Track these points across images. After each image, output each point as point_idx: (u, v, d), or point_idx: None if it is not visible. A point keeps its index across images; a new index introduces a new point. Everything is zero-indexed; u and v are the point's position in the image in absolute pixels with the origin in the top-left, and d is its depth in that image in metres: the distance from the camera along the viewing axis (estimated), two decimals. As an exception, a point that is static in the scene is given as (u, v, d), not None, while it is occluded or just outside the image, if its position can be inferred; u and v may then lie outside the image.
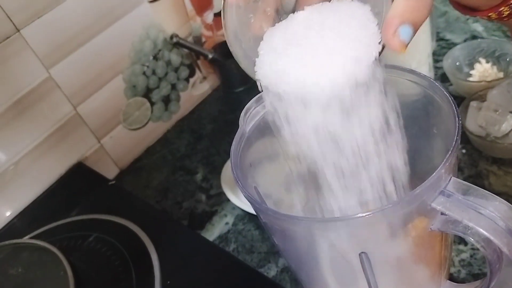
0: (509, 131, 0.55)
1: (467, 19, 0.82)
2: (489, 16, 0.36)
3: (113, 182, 0.70)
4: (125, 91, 0.78)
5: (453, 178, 0.26)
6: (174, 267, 0.55)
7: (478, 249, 0.50)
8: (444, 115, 0.31)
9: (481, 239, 0.25)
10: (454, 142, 0.26)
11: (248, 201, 0.31)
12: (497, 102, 0.57)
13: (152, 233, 0.59)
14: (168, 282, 0.54)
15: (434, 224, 0.27)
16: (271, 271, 0.56)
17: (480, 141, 0.57)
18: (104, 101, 0.76)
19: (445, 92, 0.31)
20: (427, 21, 0.63)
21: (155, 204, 0.71)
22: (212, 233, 0.64)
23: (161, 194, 0.73)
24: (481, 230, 0.24)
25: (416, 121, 0.38)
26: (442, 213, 0.27)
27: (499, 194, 0.52)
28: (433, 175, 0.25)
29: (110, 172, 0.79)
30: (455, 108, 0.29)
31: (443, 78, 0.71)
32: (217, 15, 0.89)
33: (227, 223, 0.64)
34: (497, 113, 0.55)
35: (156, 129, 0.84)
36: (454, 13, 0.84)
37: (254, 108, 0.39)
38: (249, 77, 0.34)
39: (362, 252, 0.30)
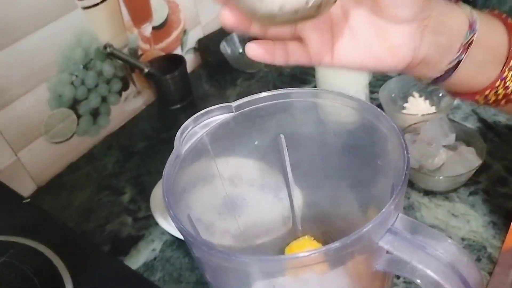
0: (441, 165, 0.56)
1: (402, 53, 0.85)
2: (477, 100, 0.37)
3: (28, 200, 0.63)
4: (49, 101, 0.72)
5: (400, 214, 0.25)
6: (92, 298, 0.50)
7: (410, 283, 0.49)
8: (390, 147, 0.30)
9: (430, 282, 0.23)
10: (403, 177, 0.25)
11: (181, 233, 0.27)
12: (431, 136, 0.58)
13: (68, 259, 0.53)
14: (84, 315, 0.48)
15: (379, 263, 0.25)
16: (199, 303, 0.52)
17: (413, 173, 0.58)
18: (25, 110, 0.69)
19: (393, 125, 0.30)
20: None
21: (74, 227, 0.65)
22: (137, 260, 0.59)
23: (82, 215, 0.67)
24: (430, 273, 0.23)
25: (359, 151, 0.37)
26: (388, 252, 0.25)
27: (430, 226, 0.53)
28: (382, 211, 0.23)
29: (26, 188, 0.71)
30: (404, 141, 0.28)
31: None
32: (156, 28, 0.85)
33: (154, 249, 0.60)
34: (431, 146, 0.56)
35: (81, 144, 0.78)
36: (390, 47, 0.87)
37: (192, 128, 0.36)
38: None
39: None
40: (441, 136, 0.57)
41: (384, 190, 0.30)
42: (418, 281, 0.24)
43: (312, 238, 0.49)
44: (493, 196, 0.57)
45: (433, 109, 0.67)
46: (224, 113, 0.38)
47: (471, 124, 0.67)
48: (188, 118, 0.37)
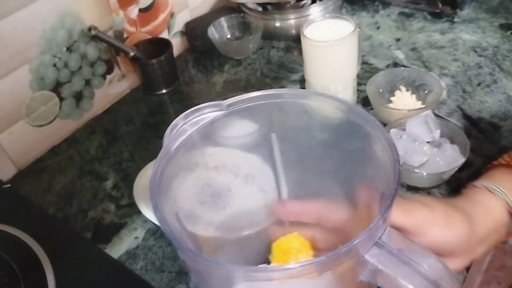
0: (425, 161, 0.57)
1: (390, 45, 0.85)
2: None
3: (8, 185, 0.62)
4: (30, 83, 0.70)
5: (388, 228, 0.25)
6: (72, 286, 0.50)
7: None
8: (379, 150, 0.30)
9: None
10: (393, 191, 0.25)
11: (170, 238, 0.27)
12: (415, 132, 0.58)
13: (48, 246, 0.53)
14: (64, 303, 0.48)
15: (364, 275, 0.25)
16: (181, 293, 0.52)
17: (397, 169, 0.58)
18: (6, 92, 0.67)
19: (386, 135, 0.30)
20: (355, 45, 0.64)
21: (56, 212, 0.64)
22: (120, 248, 0.59)
23: (64, 200, 0.66)
24: None
25: (349, 154, 0.37)
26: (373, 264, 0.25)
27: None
28: (371, 225, 0.23)
29: (6, 172, 0.70)
30: (395, 154, 0.28)
31: (364, 101, 0.72)
32: (142, 10, 0.83)
33: (136, 238, 0.60)
34: (416, 143, 0.57)
35: (63, 127, 0.77)
36: (378, 38, 0.87)
37: (181, 125, 0.35)
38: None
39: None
40: (426, 132, 0.58)
41: (372, 194, 0.30)
42: None
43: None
44: (474, 193, 0.57)
45: (419, 104, 0.67)
46: (215, 111, 0.37)
47: (456, 120, 0.67)
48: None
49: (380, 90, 0.69)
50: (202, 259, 0.25)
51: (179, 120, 0.35)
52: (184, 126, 0.35)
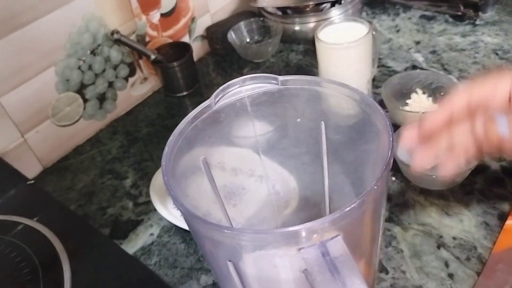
0: (437, 164, 0.56)
1: (410, 48, 0.84)
2: None
3: (32, 181, 0.65)
4: (56, 84, 0.73)
5: (338, 237, 0.25)
6: (87, 280, 0.52)
7: (399, 279, 0.50)
8: (382, 143, 0.30)
9: None
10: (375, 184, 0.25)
11: (179, 207, 0.29)
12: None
13: (67, 241, 0.55)
14: (79, 295, 0.50)
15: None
16: (192, 289, 0.54)
17: (409, 171, 0.58)
18: (33, 93, 0.71)
19: (386, 121, 0.30)
20: (369, 48, 0.64)
21: (77, 209, 0.67)
22: (135, 243, 0.61)
23: (85, 197, 0.69)
24: None
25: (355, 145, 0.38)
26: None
27: (423, 224, 0.53)
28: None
29: (32, 170, 0.73)
30: (391, 142, 0.28)
31: (380, 104, 0.72)
32: (164, 15, 0.86)
33: (152, 234, 0.62)
34: (428, 145, 0.56)
35: (87, 128, 0.80)
36: (398, 40, 0.87)
37: (238, 87, 0.37)
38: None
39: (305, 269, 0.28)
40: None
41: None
42: None
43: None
44: (489, 196, 0.57)
45: (435, 106, 0.66)
46: (270, 83, 0.39)
47: (473, 123, 0.66)
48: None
49: (396, 91, 0.69)
50: (211, 224, 0.27)
51: (237, 82, 0.37)
52: (240, 88, 0.37)
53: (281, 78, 0.39)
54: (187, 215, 0.28)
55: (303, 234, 0.25)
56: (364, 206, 0.26)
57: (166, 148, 0.33)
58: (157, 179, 0.66)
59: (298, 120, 0.42)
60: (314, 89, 0.39)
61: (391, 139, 0.28)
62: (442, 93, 0.67)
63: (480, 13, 0.87)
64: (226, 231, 0.27)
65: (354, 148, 0.40)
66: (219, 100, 0.37)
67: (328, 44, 0.62)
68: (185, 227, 0.59)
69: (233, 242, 0.27)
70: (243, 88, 0.38)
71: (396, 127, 0.64)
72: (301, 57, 0.90)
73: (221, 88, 0.37)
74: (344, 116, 0.40)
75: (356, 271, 0.24)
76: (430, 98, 0.68)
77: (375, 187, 0.25)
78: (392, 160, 0.27)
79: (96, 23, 0.75)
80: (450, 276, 0.49)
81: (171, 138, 0.34)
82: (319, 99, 0.40)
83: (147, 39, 0.85)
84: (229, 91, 0.38)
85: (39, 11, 0.67)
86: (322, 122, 0.41)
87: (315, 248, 0.24)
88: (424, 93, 0.68)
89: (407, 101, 0.69)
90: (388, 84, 0.68)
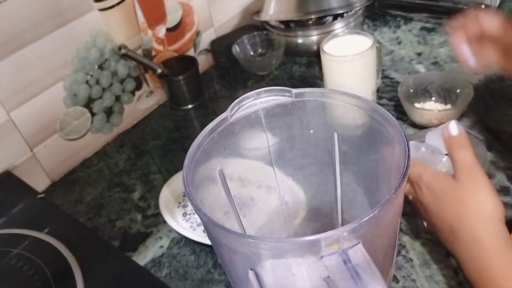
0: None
1: (411, 60, 0.85)
2: None
3: (43, 195, 0.65)
4: (64, 99, 0.74)
5: (359, 245, 0.26)
6: (100, 291, 0.52)
7: (409, 286, 0.51)
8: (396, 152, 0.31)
9: None
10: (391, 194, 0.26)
11: (199, 214, 0.29)
12: (434, 144, 0.59)
13: (79, 253, 0.56)
14: (92, 307, 0.50)
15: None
16: (203, 300, 0.54)
17: (416, 180, 0.59)
18: (41, 107, 0.71)
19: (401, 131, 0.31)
20: (373, 60, 0.65)
21: (86, 221, 0.68)
22: (145, 256, 0.61)
23: (93, 210, 0.70)
24: None
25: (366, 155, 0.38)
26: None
27: (431, 233, 0.54)
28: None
29: (40, 183, 0.74)
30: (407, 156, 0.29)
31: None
32: (170, 29, 0.87)
33: (161, 246, 0.62)
34: (434, 154, 0.57)
35: (94, 141, 0.80)
36: (400, 52, 0.88)
37: (253, 99, 0.38)
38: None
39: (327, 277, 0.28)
40: (443, 144, 0.58)
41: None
42: None
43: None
44: (495, 205, 0.57)
45: (448, 106, 0.68)
46: (284, 96, 0.40)
47: (477, 133, 0.67)
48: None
49: (411, 91, 0.71)
50: (234, 233, 0.28)
51: (252, 94, 0.38)
52: (254, 101, 0.38)
53: (295, 90, 0.40)
54: (209, 224, 0.29)
55: (325, 242, 0.25)
56: (383, 215, 0.26)
57: (186, 160, 0.34)
58: (166, 191, 0.67)
59: (311, 131, 0.43)
60: (326, 101, 0.40)
61: (407, 148, 0.29)
62: (457, 91, 0.69)
63: (480, 25, 0.88)
64: (249, 239, 0.27)
65: (365, 157, 0.41)
66: (235, 112, 0.38)
67: (334, 56, 0.63)
68: (195, 238, 0.59)
69: (254, 250, 0.28)
70: (257, 101, 0.39)
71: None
72: (304, 69, 0.91)
73: (236, 101, 0.38)
74: (355, 127, 0.41)
75: (378, 277, 0.24)
76: (444, 98, 0.70)
77: (394, 196, 0.26)
78: (409, 170, 0.28)
79: (103, 38, 0.77)
80: (460, 284, 0.50)
81: (190, 150, 0.35)
82: (331, 110, 0.41)
83: (153, 53, 0.86)
84: (244, 104, 0.39)
85: (46, 28, 0.68)
86: (335, 133, 0.42)
87: (336, 256, 0.25)
88: (438, 92, 0.71)
89: (422, 100, 0.71)
90: (404, 84, 0.70)
